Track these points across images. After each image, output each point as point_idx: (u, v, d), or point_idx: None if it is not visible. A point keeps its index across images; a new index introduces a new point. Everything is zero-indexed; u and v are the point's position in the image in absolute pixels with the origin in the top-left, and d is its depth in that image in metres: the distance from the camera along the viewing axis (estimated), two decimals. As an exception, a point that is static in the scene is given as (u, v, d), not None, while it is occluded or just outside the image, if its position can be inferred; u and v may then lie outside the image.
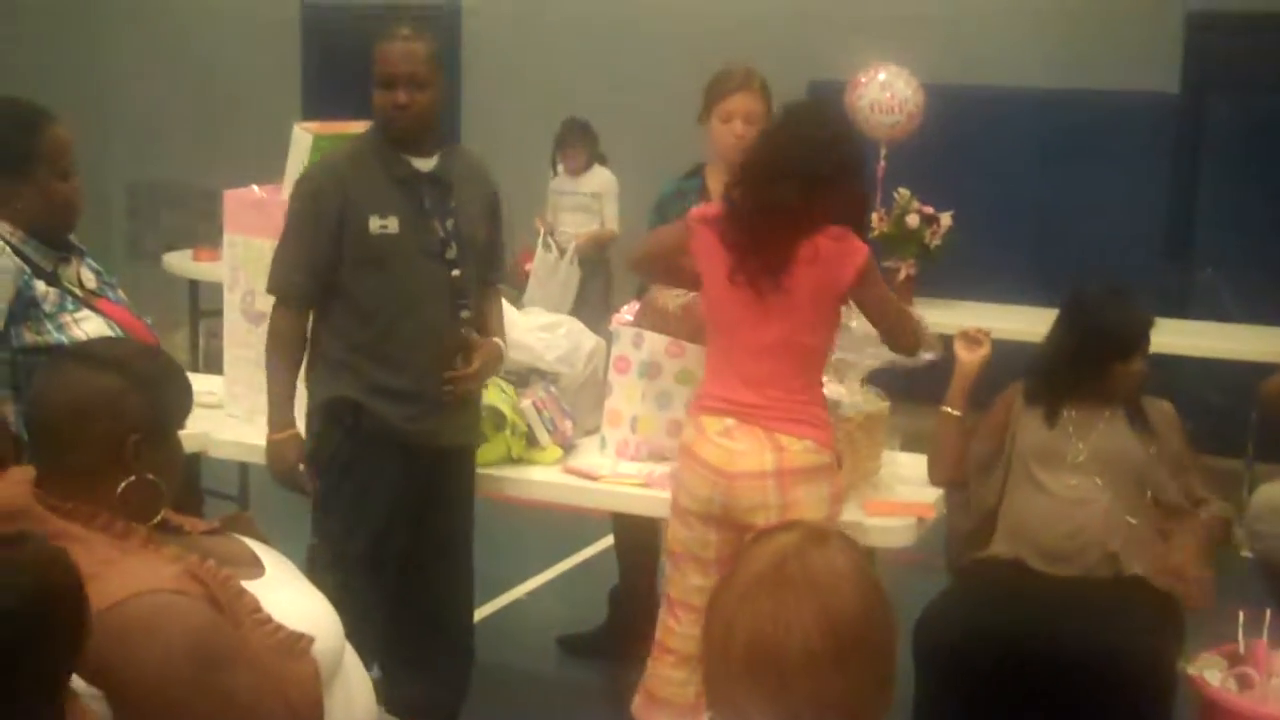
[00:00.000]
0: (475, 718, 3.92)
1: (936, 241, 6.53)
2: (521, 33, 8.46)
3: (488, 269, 3.53)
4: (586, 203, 7.06)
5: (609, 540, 4.56)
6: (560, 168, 7.14)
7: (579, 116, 7.11)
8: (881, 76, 6.73)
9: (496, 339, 3.51)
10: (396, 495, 3.40)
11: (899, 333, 3.30)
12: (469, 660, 3.70)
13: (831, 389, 3.51)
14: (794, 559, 1.53)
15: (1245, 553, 4.12)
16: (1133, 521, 3.46)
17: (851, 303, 3.25)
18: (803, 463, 3.13)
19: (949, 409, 3.61)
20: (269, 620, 2.00)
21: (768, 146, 3.22)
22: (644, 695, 3.36)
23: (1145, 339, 3.54)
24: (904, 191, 6.62)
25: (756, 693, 1.50)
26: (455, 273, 3.37)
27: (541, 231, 6.93)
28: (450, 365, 3.36)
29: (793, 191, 3.07)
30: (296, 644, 2.00)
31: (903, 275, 6.63)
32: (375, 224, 3.30)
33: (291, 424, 3.41)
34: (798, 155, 3.11)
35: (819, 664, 1.48)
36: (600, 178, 7.09)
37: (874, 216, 6.66)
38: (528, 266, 6.81)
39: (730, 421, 3.17)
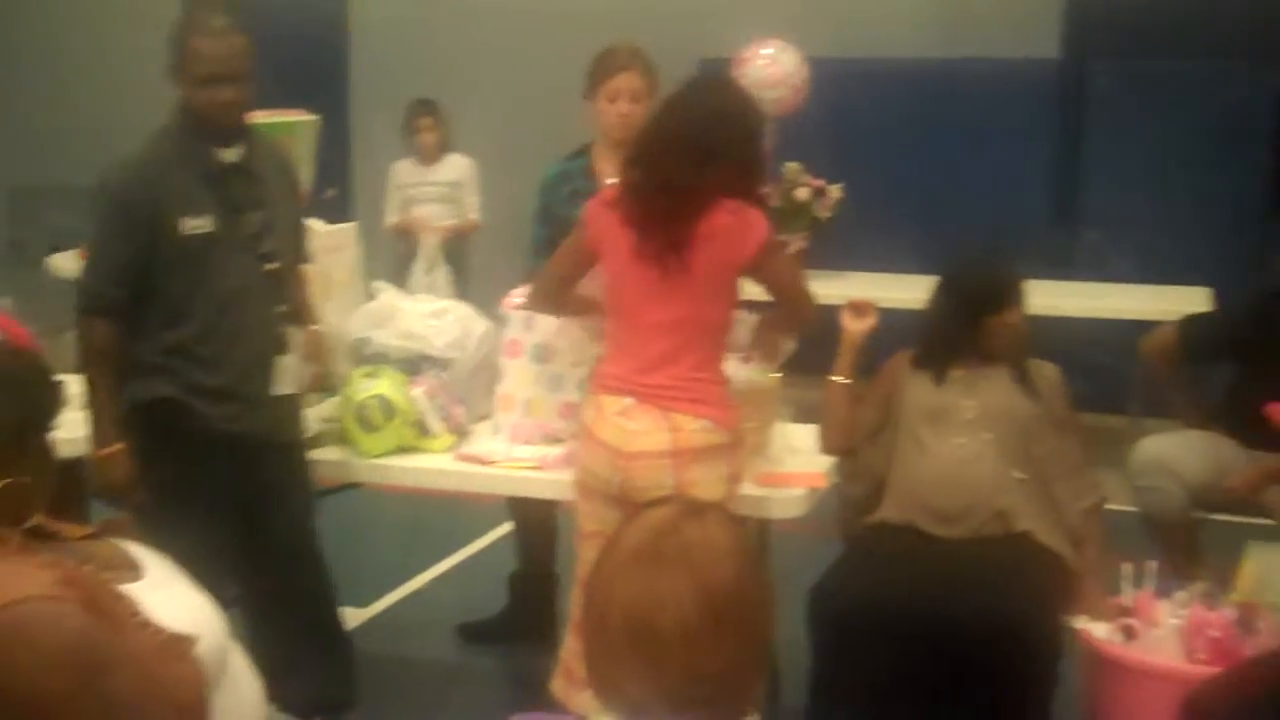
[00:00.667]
0: (377, 710, 3.91)
1: (826, 214, 6.59)
2: (408, 15, 8.40)
3: (297, 255, 3.49)
4: (446, 193, 6.83)
5: (507, 526, 4.56)
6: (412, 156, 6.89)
7: (427, 97, 6.91)
8: (767, 51, 6.77)
9: (315, 326, 3.47)
10: (223, 495, 3.34)
11: (799, 307, 3.29)
12: (347, 650, 3.69)
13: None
14: (669, 534, 1.54)
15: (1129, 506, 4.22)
16: (1020, 477, 3.52)
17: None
18: (699, 442, 3.13)
19: (837, 378, 3.65)
20: (149, 623, 1.97)
21: (661, 122, 3.21)
22: (563, 674, 3.35)
23: (1013, 294, 3.59)
24: (793, 165, 6.67)
25: (633, 666, 1.51)
26: (271, 266, 3.32)
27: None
28: (270, 361, 3.30)
29: (688, 166, 3.06)
30: (179, 646, 1.97)
31: (794, 248, 6.67)
32: (188, 224, 3.22)
33: (118, 438, 3.29)
34: (691, 129, 3.10)
35: (694, 637, 1.50)
36: (458, 165, 6.85)
37: (765, 191, 6.71)
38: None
39: (628, 401, 3.17)
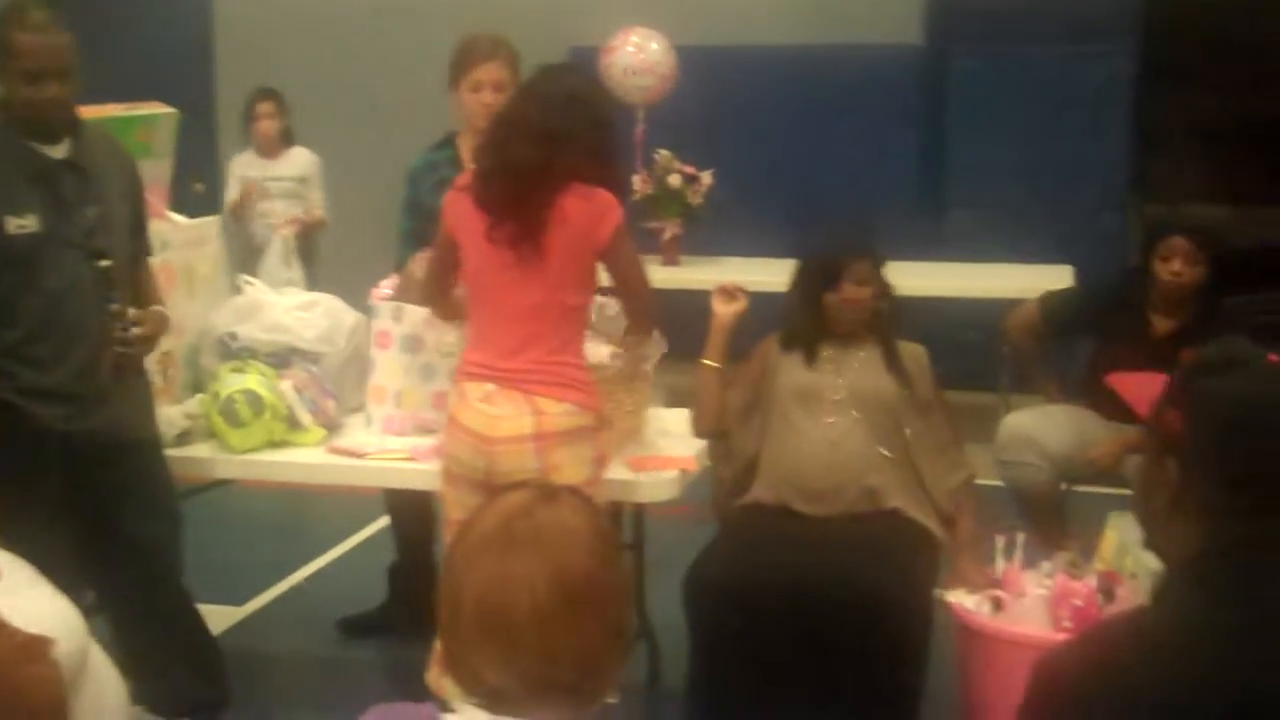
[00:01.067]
0: (258, 708, 3.88)
1: (699, 200, 6.64)
2: (274, 6, 8.28)
3: (137, 246, 3.43)
4: (291, 188, 6.42)
5: (385, 518, 4.53)
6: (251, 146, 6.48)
7: (268, 86, 6.57)
8: (634, 40, 6.80)
9: (157, 306, 3.42)
10: (69, 498, 3.26)
11: (640, 299, 3.31)
12: (213, 650, 3.64)
13: (593, 350, 3.55)
14: (521, 518, 1.54)
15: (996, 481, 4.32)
16: (888, 456, 3.58)
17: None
18: (563, 425, 3.15)
19: (708, 361, 3.69)
20: (4, 626, 1.94)
21: (511, 109, 3.23)
22: (438, 665, 3.34)
23: (846, 271, 3.62)
24: (665, 152, 6.70)
25: (488, 652, 1.51)
26: (103, 263, 3.24)
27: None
28: (102, 359, 3.22)
29: (535, 149, 3.08)
30: (36, 648, 1.94)
31: (668, 235, 6.73)
32: (13, 224, 3.13)
33: None
34: (539, 114, 3.12)
35: (548, 621, 1.49)
36: (303, 160, 6.49)
37: (637, 179, 6.74)
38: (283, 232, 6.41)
39: (491, 387, 3.17)
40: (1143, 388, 1.76)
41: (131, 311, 3.27)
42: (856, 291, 3.63)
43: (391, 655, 4.21)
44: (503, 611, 1.50)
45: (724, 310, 3.68)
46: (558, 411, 3.14)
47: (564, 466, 3.13)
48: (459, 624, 1.53)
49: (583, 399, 3.19)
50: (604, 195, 3.13)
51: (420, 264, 3.66)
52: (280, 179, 6.42)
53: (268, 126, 6.44)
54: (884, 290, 3.68)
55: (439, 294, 3.41)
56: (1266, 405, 1.58)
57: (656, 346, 3.54)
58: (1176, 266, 4.07)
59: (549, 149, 3.08)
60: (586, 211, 3.11)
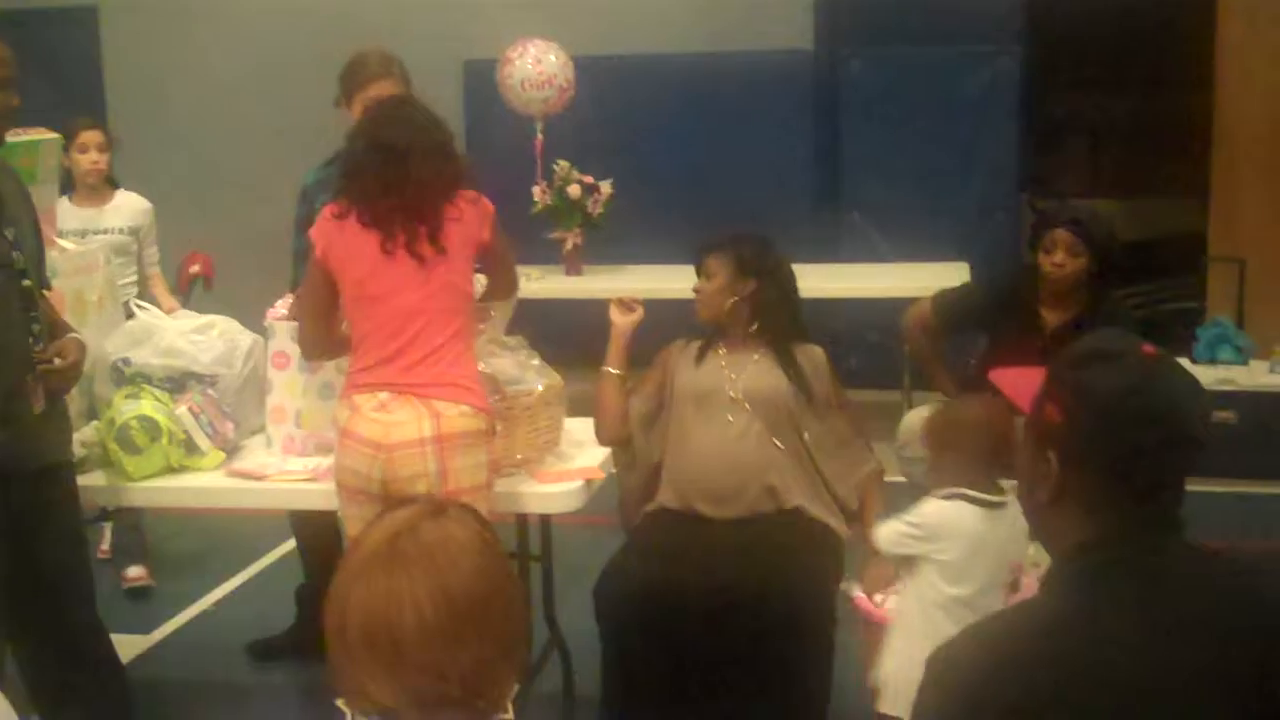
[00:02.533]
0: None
1: (599, 210, 6.66)
2: (162, 27, 8.18)
3: (39, 273, 3.36)
4: (123, 243, 5.01)
5: (292, 540, 4.50)
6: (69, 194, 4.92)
7: (88, 116, 5.26)
8: (532, 52, 6.80)
9: (72, 333, 3.38)
10: None
11: (508, 277, 3.50)
12: (121, 679, 3.58)
13: (505, 364, 3.55)
14: (407, 534, 1.53)
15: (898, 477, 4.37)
16: (782, 448, 3.61)
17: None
18: (460, 428, 3.15)
19: (609, 369, 3.72)
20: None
21: (375, 136, 3.25)
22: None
23: (702, 264, 3.73)
24: (564, 163, 6.72)
25: (375, 670, 1.50)
26: (25, 282, 3.20)
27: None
28: (24, 383, 3.15)
29: (423, 162, 3.17)
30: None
31: (569, 245, 6.74)
32: None
33: None
34: (412, 136, 3.21)
35: (435, 637, 1.48)
36: (134, 207, 5.10)
37: (536, 190, 6.75)
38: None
39: (384, 395, 3.18)
40: (1022, 382, 1.79)
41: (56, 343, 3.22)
42: (702, 285, 3.72)
43: (302, 678, 4.17)
44: (388, 628, 1.49)
45: (621, 321, 3.74)
46: (454, 414, 3.15)
47: (461, 470, 3.14)
48: (346, 642, 1.51)
49: (477, 401, 3.21)
50: (482, 198, 3.26)
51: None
52: (108, 231, 5.01)
53: (95, 163, 4.99)
54: (750, 289, 3.71)
55: (325, 336, 3.39)
56: (1141, 396, 1.61)
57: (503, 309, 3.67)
58: (1059, 258, 4.15)
59: (434, 161, 3.18)
60: (475, 212, 3.23)
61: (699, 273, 3.77)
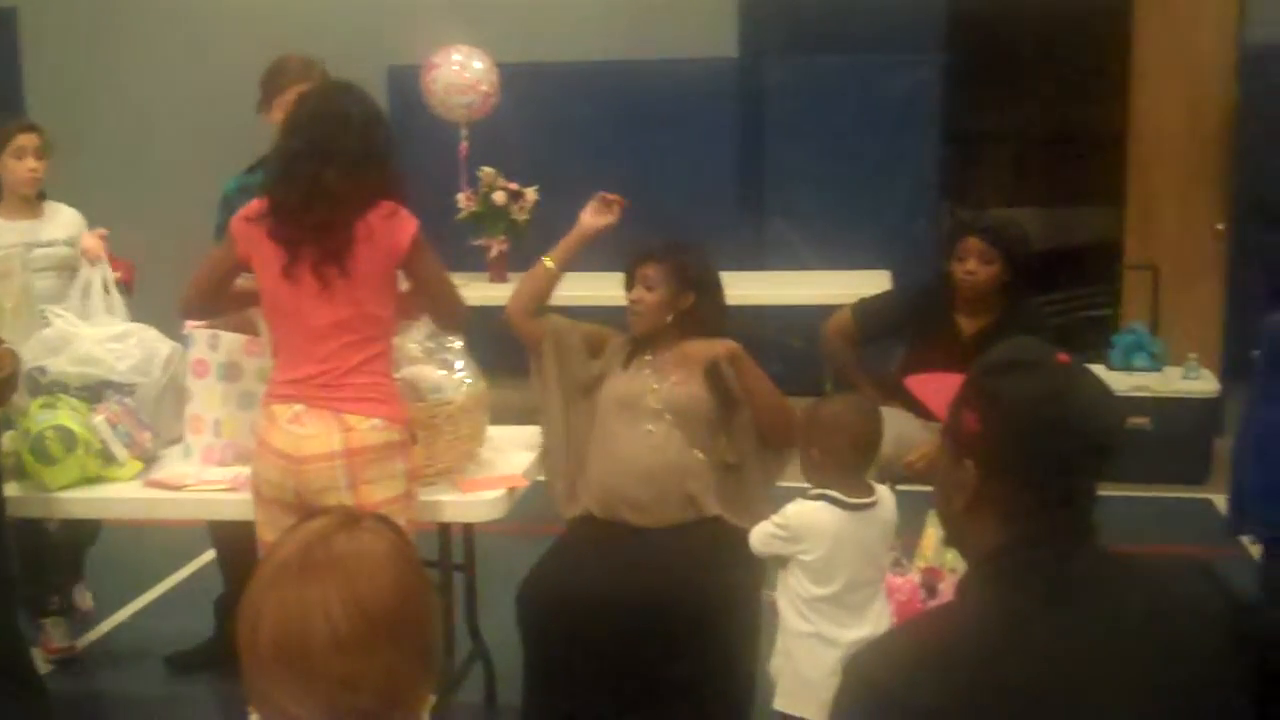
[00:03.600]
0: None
1: (524, 216, 6.65)
2: (83, 29, 8.07)
3: None
4: (67, 256, 4.43)
5: (211, 551, 4.45)
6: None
7: (25, 118, 4.92)
8: (456, 57, 6.79)
9: (6, 344, 3.33)
10: None
11: (446, 303, 3.33)
12: (42, 694, 3.53)
13: (427, 371, 3.54)
14: (319, 544, 1.52)
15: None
16: (701, 458, 3.63)
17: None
18: (372, 441, 3.14)
19: (548, 262, 3.83)
20: None
21: (301, 135, 3.16)
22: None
23: (636, 270, 3.75)
24: (488, 170, 6.71)
25: (287, 682, 1.49)
26: None
27: None
28: None
29: (341, 175, 3.08)
30: None
31: (495, 252, 6.73)
32: None
33: None
34: (340, 137, 3.11)
35: (347, 648, 1.47)
36: (68, 215, 4.57)
37: (461, 196, 6.74)
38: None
39: (299, 407, 3.16)
40: (939, 389, 1.81)
41: None
42: (640, 295, 3.72)
43: (222, 689, 4.13)
44: (300, 640, 1.47)
45: (591, 221, 3.82)
46: (366, 427, 3.13)
47: (375, 482, 3.13)
48: (257, 655, 1.50)
49: (391, 413, 3.19)
50: (402, 210, 3.15)
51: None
52: (50, 244, 4.45)
53: (33, 170, 4.44)
54: (687, 299, 3.72)
55: (208, 307, 3.40)
56: (1055, 405, 1.63)
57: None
58: (971, 265, 4.20)
59: (355, 173, 3.09)
60: (388, 228, 3.12)
61: (634, 280, 3.74)
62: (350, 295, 3.12)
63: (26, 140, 4.41)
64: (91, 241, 4.29)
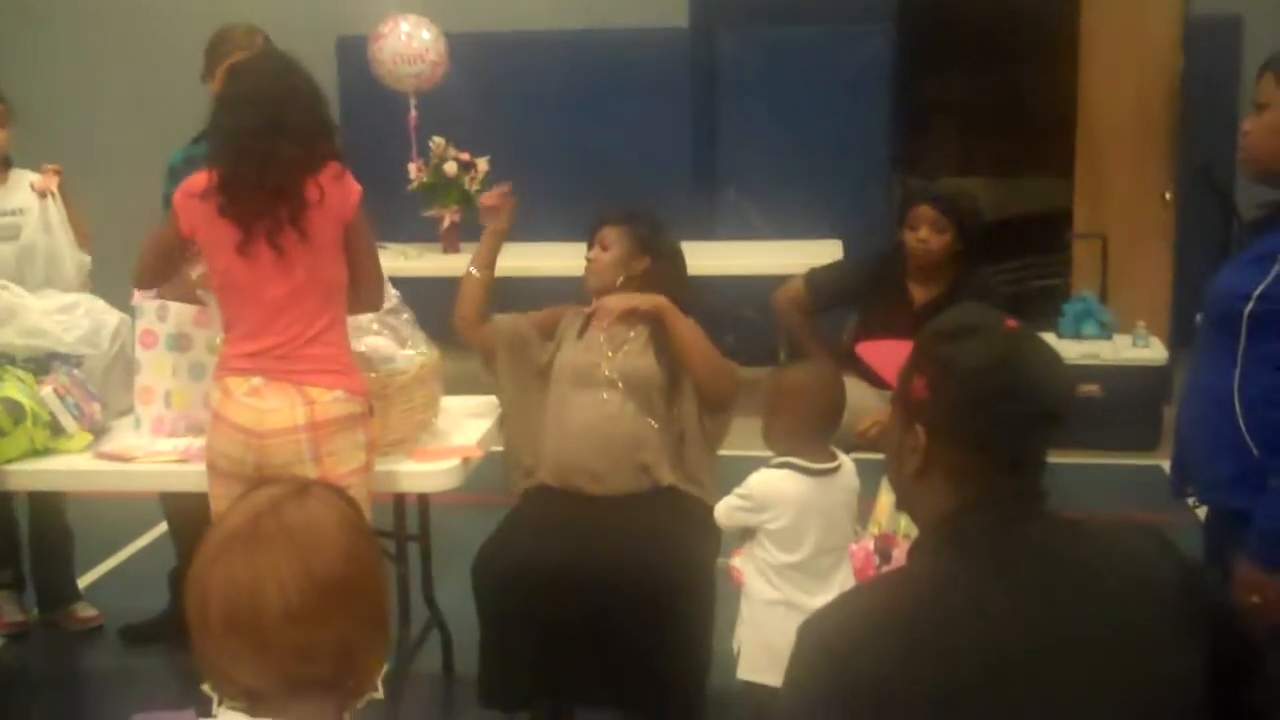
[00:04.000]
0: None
1: (476, 187, 6.62)
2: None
3: None
4: (19, 226, 4.21)
5: (164, 523, 4.43)
6: None
7: None
8: (404, 27, 6.74)
9: None
10: None
11: (372, 280, 3.29)
12: None
13: (379, 342, 3.53)
14: (268, 514, 1.51)
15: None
16: (655, 426, 3.64)
17: None
18: (335, 413, 3.13)
19: (472, 270, 3.81)
20: None
21: (249, 110, 3.10)
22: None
23: (596, 233, 3.78)
24: (439, 140, 6.68)
25: (239, 653, 1.48)
26: None
27: None
28: None
29: (293, 145, 3.05)
30: None
31: (447, 223, 6.70)
32: None
33: None
34: (292, 112, 3.08)
35: (298, 617, 1.47)
36: (26, 185, 4.27)
37: (412, 167, 6.70)
38: None
39: (258, 380, 3.13)
40: (889, 355, 1.82)
41: None
42: (597, 255, 3.75)
43: (176, 662, 4.10)
44: (251, 611, 1.47)
45: (491, 224, 3.85)
46: (329, 399, 3.12)
47: (338, 453, 3.13)
48: (208, 626, 1.50)
49: (352, 385, 3.18)
50: (348, 176, 3.15)
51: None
52: (13, 213, 4.26)
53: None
54: (642, 265, 3.75)
55: (162, 277, 3.38)
56: (1003, 370, 1.64)
57: None
58: (923, 234, 4.23)
59: (307, 143, 3.07)
60: (338, 191, 3.11)
61: (592, 242, 3.78)
62: (307, 261, 3.09)
63: None
64: (45, 179, 4.18)
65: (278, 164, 3.04)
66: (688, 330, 3.68)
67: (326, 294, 3.16)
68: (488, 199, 3.84)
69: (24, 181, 4.35)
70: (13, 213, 4.28)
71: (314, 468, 3.09)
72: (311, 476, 3.02)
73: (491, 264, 3.82)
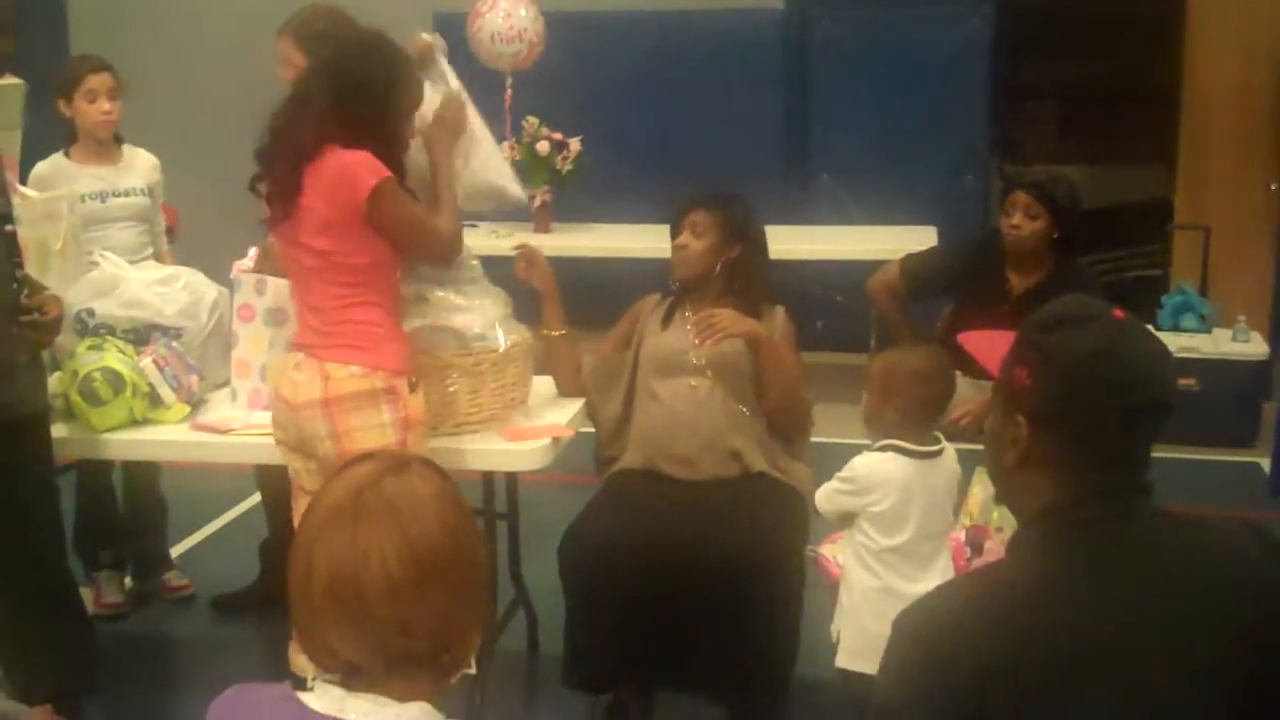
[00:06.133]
0: (131, 691, 3.83)
1: (568, 167, 6.63)
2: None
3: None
4: (144, 206, 4.36)
5: (258, 495, 4.49)
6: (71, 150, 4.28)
7: (96, 57, 4.39)
8: (503, 5, 6.74)
9: (49, 291, 3.36)
10: None
11: (422, 247, 3.27)
12: (88, 634, 3.57)
13: (471, 320, 3.53)
14: (369, 489, 1.52)
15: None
16: (746, 413, 3.61)
17: None
18: (349, 389, 3.12)
19: (547, 332, 3.74)
20: None
21: (295, 85, 3.21)
22: (296, 639, 3.32)
23: (686, 217, 3.69)
24: (532, 119, 6.68)
25: (341, 626, 1.49)
26: (9, 228, 3.18)
27: None
28: (11, 328, 3.16)
29: (297, 117, 3.11)
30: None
31: (538, 202, 6.71)
32: None
33: None
34: (302, 82, 3.16)
35: (401, 591, 1.48)
36: (145, 165, 4.41)
37: (505, 146, 6.70)
38: None
39: (300, 356, 3.20)
40: (992, 345, 1.79)
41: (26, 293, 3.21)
42: (689, 240, 3.68)
43: (265, 631, 4.16)
44: (353, 582, 1.48)
45: (527, 278, 3.73)
46: (344, 375, 3.13)
47: (358, 431, 3.12)
48: (310, 598, 1.51)
49: (371, 360, 3.14)
50: (353, 157, 3.07)
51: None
52: (128, 194, 4.30)
53: (107, 114, 4.22)
54: (735, 250, 3.69)
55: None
56: (1109, 359, 1.61)
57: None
58: (1016, 220, 4.16)
59: (313, 115, 3.09)
60: (344, 172, 3.06)
61: (681, 227, 3.70)
62: (323, 244, 3.11)
63: (98, 81, 4.20)
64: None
65: (289, 144, 3.10)
66: (779, 363, 3.66)
67: (353, 273, 3.15)
68: (521, 273, 3.73)
69: (138, 160, 4.38)
70: (126, 193, 4.30)
71: (332, 444, 3.11)
72: (331, 453, 3.07)
73: (561, 319, 3.75)
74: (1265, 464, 5.58)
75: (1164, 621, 1.55)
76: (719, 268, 3.69)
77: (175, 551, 4.75)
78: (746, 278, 3.70)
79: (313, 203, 3.08)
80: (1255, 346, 6.14)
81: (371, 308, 3.18)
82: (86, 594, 4.23)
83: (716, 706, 3.49)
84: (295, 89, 3.17)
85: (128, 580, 4.50)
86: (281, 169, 3.11)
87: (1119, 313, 1.67)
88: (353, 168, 3.06)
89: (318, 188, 3.06)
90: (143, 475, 4.38)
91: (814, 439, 3.78)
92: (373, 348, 3.15)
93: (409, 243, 3.21)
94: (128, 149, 4.38)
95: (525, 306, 3.69)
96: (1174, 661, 1.53)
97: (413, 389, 3.19)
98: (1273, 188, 6.97)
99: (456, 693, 1.61)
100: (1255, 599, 1.59)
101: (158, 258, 4.36)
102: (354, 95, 3.09)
